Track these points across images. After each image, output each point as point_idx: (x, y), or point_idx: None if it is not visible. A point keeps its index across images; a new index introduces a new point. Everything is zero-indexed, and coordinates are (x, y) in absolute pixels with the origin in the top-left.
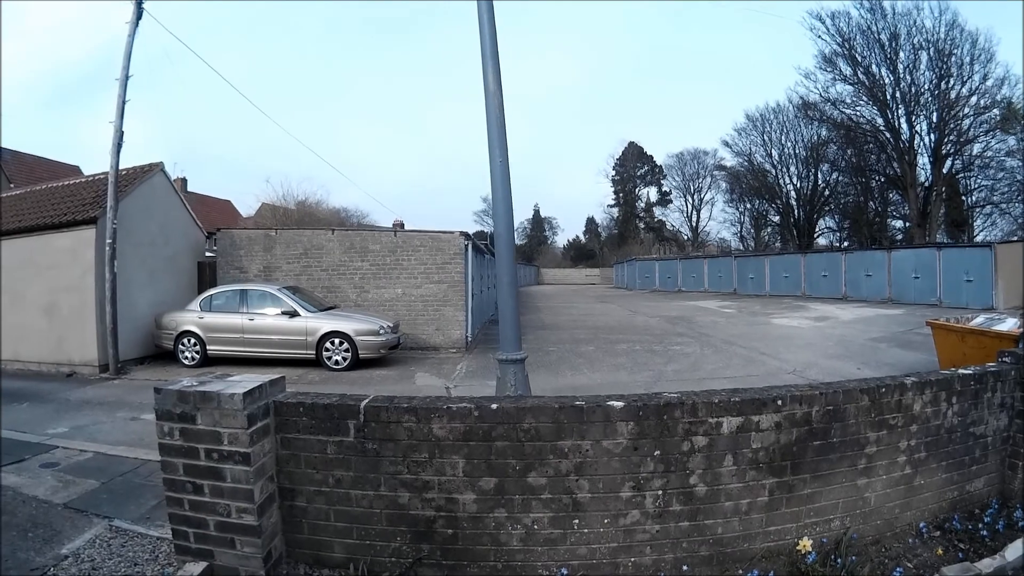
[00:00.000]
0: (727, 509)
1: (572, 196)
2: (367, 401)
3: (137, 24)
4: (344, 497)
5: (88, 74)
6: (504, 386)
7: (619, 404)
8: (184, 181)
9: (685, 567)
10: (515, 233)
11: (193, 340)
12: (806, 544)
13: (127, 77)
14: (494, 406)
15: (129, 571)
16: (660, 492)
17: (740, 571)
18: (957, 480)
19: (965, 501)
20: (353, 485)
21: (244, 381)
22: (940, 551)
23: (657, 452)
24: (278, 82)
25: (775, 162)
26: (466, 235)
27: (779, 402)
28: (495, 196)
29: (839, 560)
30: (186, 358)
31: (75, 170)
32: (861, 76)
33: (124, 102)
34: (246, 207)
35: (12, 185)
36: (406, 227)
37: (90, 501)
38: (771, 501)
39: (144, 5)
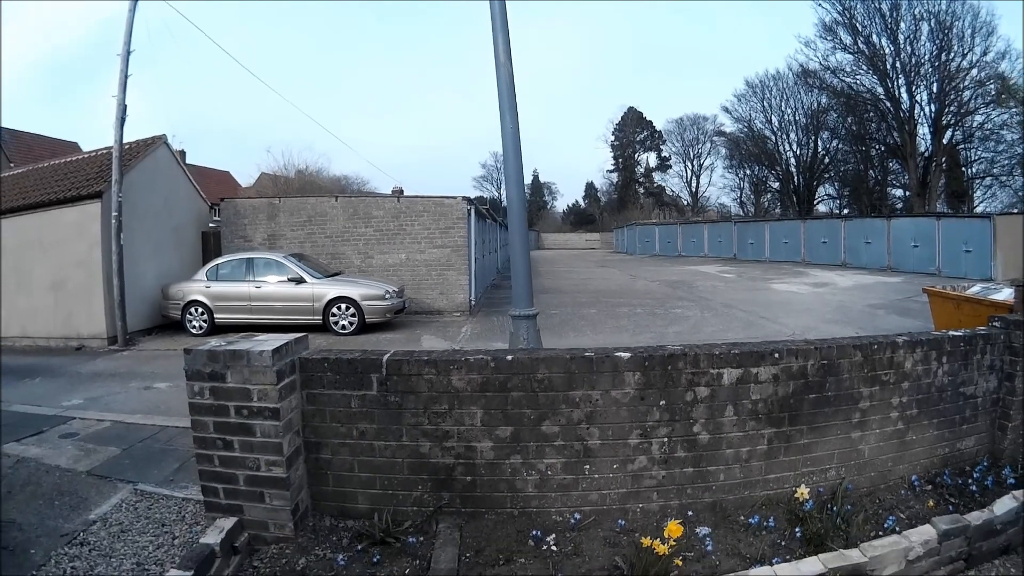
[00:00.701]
0: (728, 457)
1: (571, 161)
2: (389, 355)
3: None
4: (367, 449)
5: (82, 51)
6: (517, 340)
7: (626, 355)
8: (183, 153)
9: (690, 512)
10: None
11: (200, 309)
12: (803, 492)
13: (128, 52)
14: (509, 357)
15: (157, 531)
16: (665, 440)
17: (742, 517)
18: (948, 438)
19: (956, 458)
20: (376, 437)
21: (270, 340)
22: (931, 503)
23: (662, 402)
24: (277, 52)
25: (775, 129)
26: (468, 200)
27: (776, 355)
28: (507, 160)
29: (835, 508)
30: (194, 327)
31: (74, 147)
32: (861, 45)
33: (126, 76)
34: (246, 177)
35: (12, 164)
36: (406, 193)
37: (113, 467)
38: (770, 450)
39: None
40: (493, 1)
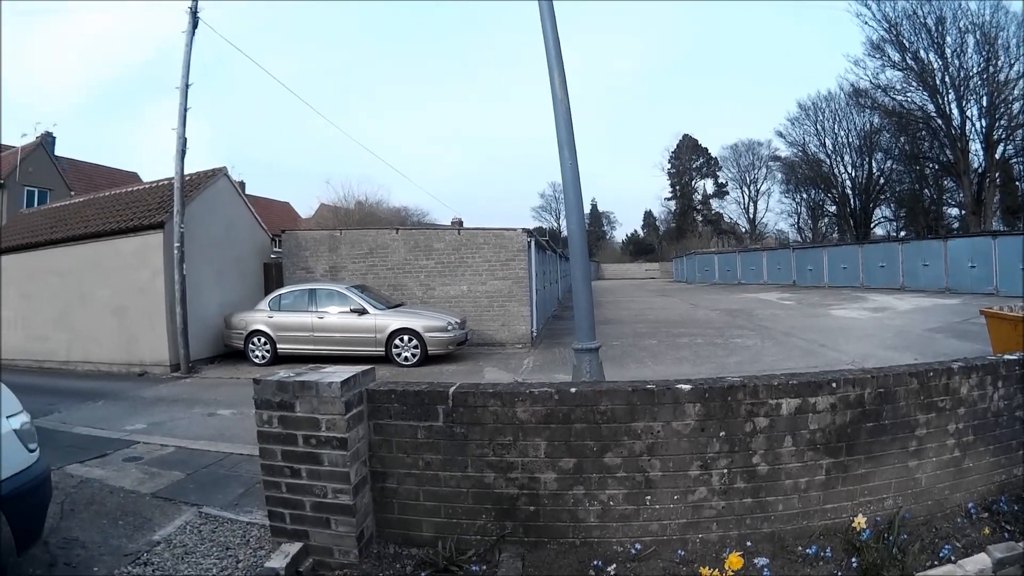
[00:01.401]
0: (787, 487)
1: (629, 190)
2: (455, 388)
3: (193, 33)
4: (433, 479)
5: (136, 81)
6: (580, 373)
7: (687, 387)
8: (243, 184)
9: (749, 543)
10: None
11: (263, 339)
12: (860, 522)
13: (187, 85)
14: (573, 390)
15: (221, 554)
16: (725, 471)
17: (799, 547)
18: (1005, 464)
19: (1013, 484)
20: (442, 467)
21: (338, 372)
22: (987, 531)
23: (722, 433)
24: (334, 84)
25: (829, 151)
26: (528, 232)
27: (833, 384)
28: (567, 194)
29: (891, 538)
30: (256, 357)
31: (133, 176)
32: (910, 61)
33: (186, 109)
34: (306, 208)
35: (72, 193)
36: (465, 224)
37: (177, 491)
38: (827, 480)
39: (199, 14)
40: (548, 40)
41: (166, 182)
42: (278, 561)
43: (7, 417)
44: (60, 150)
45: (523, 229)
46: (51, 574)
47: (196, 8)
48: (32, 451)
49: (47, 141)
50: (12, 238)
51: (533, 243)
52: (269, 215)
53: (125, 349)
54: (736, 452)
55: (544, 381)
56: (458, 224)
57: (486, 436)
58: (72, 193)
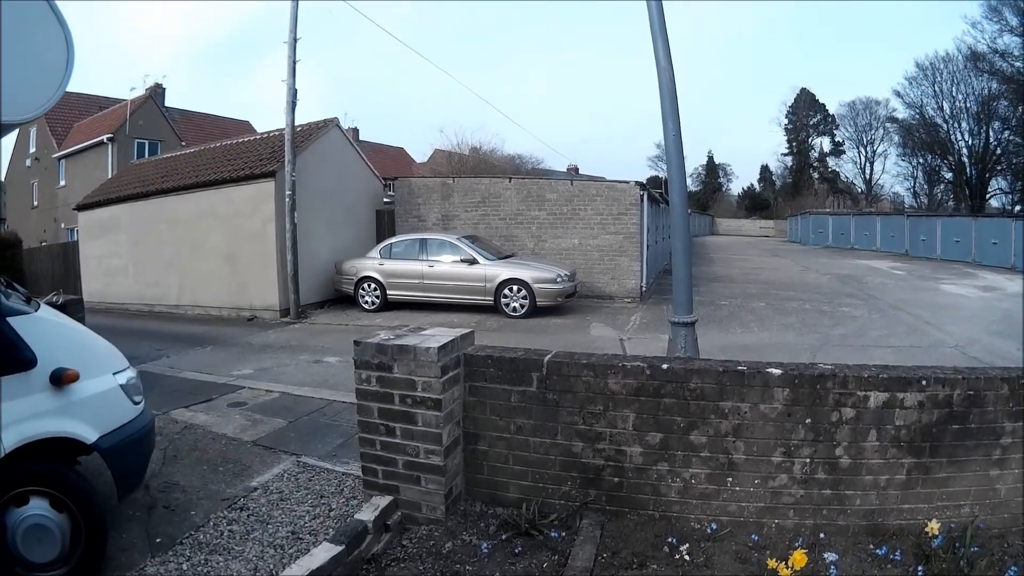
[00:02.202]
0: (867, 483)
1: (745, 143)
2: (550, 356)
3: None
4: (523, 443)
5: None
6: (674, 347)
7: (777, 371)
8: (356, 131)
9: (822, 534)
10: (688, 180)
11: (373, 285)
12: (934, 527)
13: (295, 39)
14: (664, 366)
15: (315, 502)
16: (808, 459)
17: (871, 545)
18: None
19: None
20: (532, 432)
21: (437, 335)
22: None
23: (808, 420)
24: (446, 29)
25: (946, 116)
26: (641, 185)
27: (923, 382)
28: (670, 168)
29: (962, 549)
30: (366, 303)
31: (245, 125)
32: None
33: (295, 62)
34: (420, 154)
35: (183, 143)
36: (580, 171)
37: (278, 439)
38: (907, 480)
39: None
40: (651, 2)
41: (277, 132)
42: (368, 514)
43: (112, 374)
44: (171, 102)
45: (636, 182)
46: (150, 516)
47: None
48: (137, 403)
49: (157, 93)
50: (122, 188)
51: (646, 196)
52: (383, 160)
53: (235, 294)
54: (820, 442)
55: (648, 341)
56: (574, 171)
57: (577, 404)
58: (183, 143)
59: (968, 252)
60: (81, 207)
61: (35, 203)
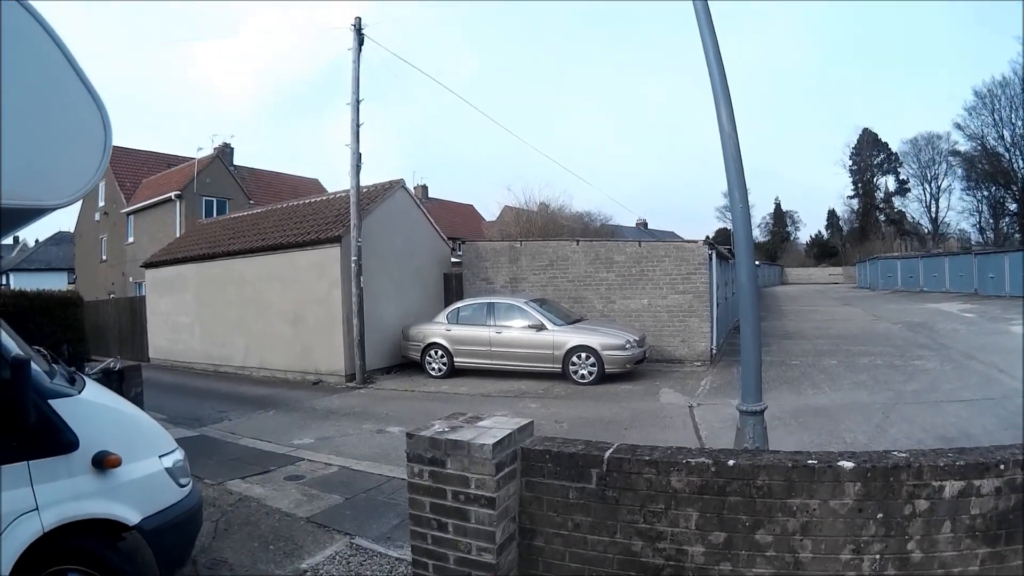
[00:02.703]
0: None
1: (812, 187)
2: (610, 452)
3: (360, 50)
4: (580, 540)
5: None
6: (743, 437)
7: (849, 464)
8: (425, 188)
9: None
10: (756, 230)
11: (440, 352)
12: None
13: (358, 101)
14: (731, 462)
15: None
16: (878, 556)
17: None
18: None
19: None
20: (590, 530)
21: (494, 428)
22: None
23: (880, 515)
24: (511, 85)
25: (1008, 144)
26: (710, 244)
27: (1002, 466)
28: (737, 242)
29: None
30: (433, 369)
31: (314, 183)
32: None
33: (358, 125)
34: (488, 212)
35: (252, 202)
36: (648, 226)
37: (333, 517)
38: (980, 571)
39: (364, 32)
40: (712, 71)
41: (343, 194)
42: None
43: (159, 456)
44: (240, 158)
45: (704, 241)
46: None
47: (360, 25)
48: (183, 486)
49: (225, 152)
50: (190, 247)
51: (715, 255)
52: (452, 218)
53: (301, 357)
54: (891, 536)
55: (719, 408)
56: (642, 225)
57: (637, 502)
58: (251, 202)
59: None
60: (148, 264)
61: (103, 257)
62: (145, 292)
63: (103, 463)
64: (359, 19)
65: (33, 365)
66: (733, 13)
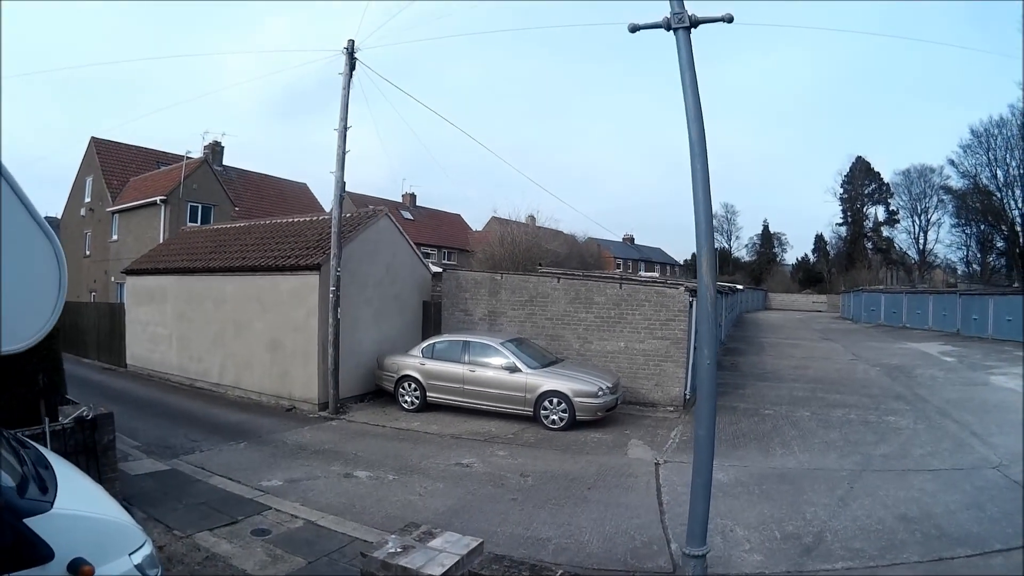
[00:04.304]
0: None
1: (801, 210)
2: None
3: (351, 75)
4: None
5: (309, 88)
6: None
7: None
8: (413, 197)
9: None
10: (743, 250)
11: (413, 385)
12: None
13: (345, 128)
14: None
15: None
16: None
17: None
18: None
19: None
20: None
21: (443, 553)
22: None
23: None
24: (496, 101)
25: (1000, 184)
26: (691, 291)
27: None
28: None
29: None
30: (406, 402)
31: (303, 188)
32: None
33: (344, 152)
34: (475, 221)
35: (237, 209)
36: (635, 241)
37: None
38: None
39: (356, 55)
40: (689, 112)
41: (326, 217)
42: None
43: (129, 555)
44: (230, 156)
45: (685, 288)
46: None
47: (353, 49)
48: None
49: (215, 152)
50: (171, 257)
51: (695, 302)
52: (440, 227)
53: (276, 381)
54: None
55: (684, 466)
56: (629, 241)
57: None
58: (236, 208)
59: (1020, 330)
60: (130, 271)
61: (87, 252)
62: (125, 299)
63: (78, 572)
64: (352, 42)
65: (4, 482)
66: (739, 37)
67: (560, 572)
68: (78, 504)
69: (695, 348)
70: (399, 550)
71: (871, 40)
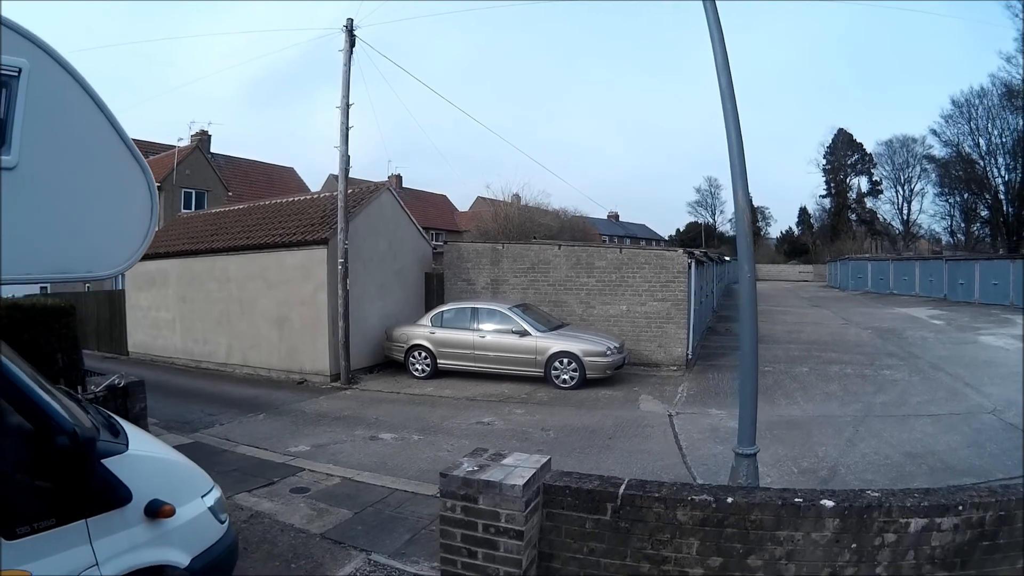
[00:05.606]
0: None
1: (784, 183)
2: (623, 488)
3: (351, 52)
4: (594, 563)
5: (292, 72)
6: (737, 475)
7: (830, 504)
8: (399, 178)
9: None
10: (727, 225)
11: (424, 354)
12: None
13: (347, 105)
14: (730, 500)
15: None
16: None
17: None
18: None
19: None
20: (604, 554)
21: (519, 468)
22: None
23: (853, 545)
24: (488, 78)
25: (982, 152)
26: (690, 253)
27: (960, 507)
28: (743, 306)
29: None
30: (417, 370)
31: (291, 172)
32: None
33: (347, 128)
34: (461, 202)
35: (230, 194)
36: (620, 218)
37: (346, 532)
38: None
39: (356, 33)
40: (722, 80)
41: (327, 196)
42: None
43: (201, 497)
44: (217, 144)
45: (684, 251)
46: None
47: (352, 27)
48: (223, 522)
49: (204, 140)
50: (170, 242)
51: (693, 264)
52: (426, 208)
53: (285, 357)
54: (862, 562)
55: (697, 417)
56: (614, 218)
57: (647, 532)
58: (229, 193)
59: (1006, 295)
60: None
61: None
62: (124, 286)
63: (157, 513)
64: (351, 20)
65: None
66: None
67: (627, 480)
68: (150, 449)
69: (694, 311)
70: (476, 468)
71: (851, 11)
